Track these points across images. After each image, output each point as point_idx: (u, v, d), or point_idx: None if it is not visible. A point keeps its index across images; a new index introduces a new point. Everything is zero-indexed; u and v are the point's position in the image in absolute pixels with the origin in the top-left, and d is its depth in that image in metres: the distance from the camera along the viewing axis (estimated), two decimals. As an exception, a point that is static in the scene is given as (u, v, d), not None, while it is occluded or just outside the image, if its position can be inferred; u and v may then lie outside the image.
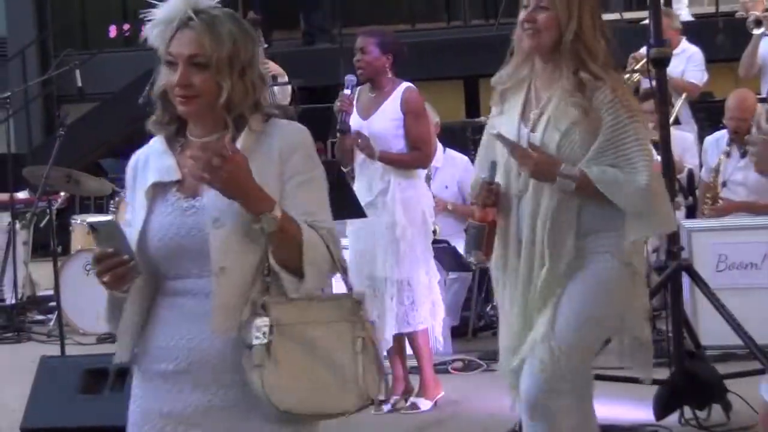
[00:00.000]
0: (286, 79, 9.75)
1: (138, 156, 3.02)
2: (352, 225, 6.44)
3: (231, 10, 2.95)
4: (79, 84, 10.30)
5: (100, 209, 10.92)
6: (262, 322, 2.75)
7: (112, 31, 15.71)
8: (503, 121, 4.25)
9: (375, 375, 2.86)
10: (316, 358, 2.78)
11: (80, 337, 8.75)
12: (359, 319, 2.83)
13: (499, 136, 4.11)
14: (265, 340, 2.74)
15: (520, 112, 4.20)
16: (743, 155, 7.95)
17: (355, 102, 6.49)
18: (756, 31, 9.61)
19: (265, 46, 10.43)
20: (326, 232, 2.83)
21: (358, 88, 6.56)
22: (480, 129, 9.96)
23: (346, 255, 6.78)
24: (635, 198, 4.06)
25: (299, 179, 2.87)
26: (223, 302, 2.79)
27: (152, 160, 2.97)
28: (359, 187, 6.41)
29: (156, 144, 2.98)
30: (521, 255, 4.16)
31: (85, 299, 8.89)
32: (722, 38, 11.55)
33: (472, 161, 8.65)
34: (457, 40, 13.27)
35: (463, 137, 9.97)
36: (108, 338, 8.77)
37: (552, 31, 4.10)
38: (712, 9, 12.62)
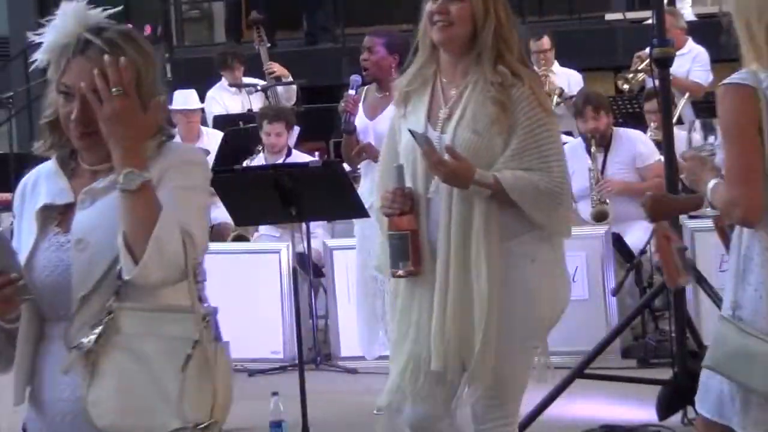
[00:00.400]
0: (290, 80, 9.77)
1: (26, 180, 2.85)
2: (357, 224, 6.46)
3: (128, 28, 2.83)
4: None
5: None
6: (96, 329, 2.57)
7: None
8: (408, 123, 3.98)
9: (202, 397, 2.60)
10: (144, 374, 2.57)
11: (82, 337, 8.72)
12: (201, 337, 2.60)
13: (416, 134, 3.86)
14: (85, 348, 2.56)
15: (426, 112, 3.95)
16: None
17: (361, 102, 6.49)
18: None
19: (268, 45, 10.46)
20: (190, 238, 2.60)
21: (365, 88, 6.56)
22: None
23: (353, 256, 6.92)
24: (547, 203, 3.85)
25: (176, 185, 2.67)
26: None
27: (42, 183, 2.79)
28: (365, 188, 6.41)
29: (48, 165, 2.80)
30: (437, 261, 3.90)
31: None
32: (725, 38, 11.53)
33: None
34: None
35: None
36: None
37: (466, 23, 3.86)
38: (715, 9, 12.59)
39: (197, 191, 2.72)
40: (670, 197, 4.27)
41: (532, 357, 4.00)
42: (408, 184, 3.94)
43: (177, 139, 2.86)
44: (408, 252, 3.88)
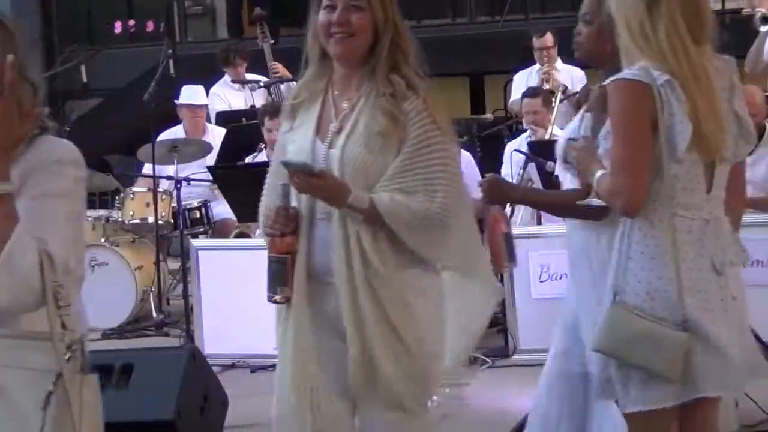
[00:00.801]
0: (294, 82, 9.75)
1: None
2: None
3: None
4: (84, 80, 10.32)
5: (105, 205, 10.90)
6: None
7: (117, 27, 15.71)
8: (295, 137, 3.67)
9: None
10: (3, 410, 2.39)
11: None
12: (64, 369, 2.40)
13: (285, 164, 3.54)
14: None
15: (314, 126, 3.63)
16: (749, 152, 7.93)
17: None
18: (763, 29, 9.58)
19: (272, 42, 10.46)
20: (48, 258, 2.37)
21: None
22: (485, 126, 9.99)
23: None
24: (425, 230, 3.51)
25: (40, 191, 2.44)
26: None
27: None
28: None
29: None
30: (325, 288, 3.56)
31: (90, 295, 8.87)
32: (728, 35, 11.52)
33: (476, 158, 8.68)
34: (462, 36, 13.26)
35: (468, 134, 9.95)
36: (112, 334, 8.79)
37: (367, 33, 3.55)
38: (718, 6, 12.57)
39: (65, 199, 2.48)
40: (507, 184, 4.33)
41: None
42: (293, 203, 3.63)
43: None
44: (287, 277, 3.56)
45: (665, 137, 3.45)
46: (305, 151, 3.59)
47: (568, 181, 4.17)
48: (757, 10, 9.79)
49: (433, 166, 3.49)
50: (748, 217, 7.49)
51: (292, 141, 3.67)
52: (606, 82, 3.83)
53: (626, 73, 3.50)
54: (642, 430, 3.60)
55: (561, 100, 9.35)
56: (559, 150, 4.16)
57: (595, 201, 3.81)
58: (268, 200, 3.74)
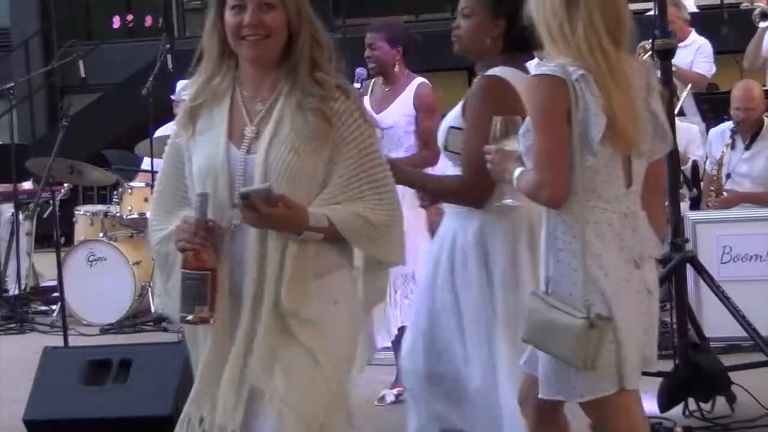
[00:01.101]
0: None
1: None
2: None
3: None
4: (83, 75, 10.31)
5: (104, 200, 10.91)
6: None
7: (116, 22, 15.71)
8: (200, 143, 3.37)
9: None
10: None
11: (83, 328, 8.74)
12: None
13: (244, 195, 3.20)
14: None
15: (226, 130, 3.34)
16: (747, 147, 7.94)
17: (368, 94, 6.49)
18: (762, 24, 9.57)
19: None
20: None
21: (371, 81, 6.57)
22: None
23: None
24: (380, 235, 3.38)
25: None
26: None
27: None
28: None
29: None
30: (243, 304, 3.30)
31: (89, 290, 8.91)
32: (727, 30, 11.52)
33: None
34: (461, 31, 13.25)
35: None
36: (111, 329, 8.79)
37: (283, 33, 3.32)
38: (717, 0, 12.59)
39: None
40: (404, 169, 4.35)
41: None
42: (212, 214, 3.32)
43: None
44: (206, 295, 3.25)
45: (579, 130, 3.54)
46: (218, 158, 3.32)
47: (449, 168, 4.27)
48: (756, 5, 9.80)
49: (376, 167, 3.37)
50: (746, 212, 7.53)
51: (198, 147, 3.37)
52: (481, 75, 4.06)
53: (542, 69, 3.60)
54: (602, 416, 3.68)
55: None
56: (440, 138, 4.27)
57: (509, 201, 3.96)
58: (162, 212, 3.44)
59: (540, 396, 3.67)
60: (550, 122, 3.57)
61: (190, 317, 3.27)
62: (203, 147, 3.36)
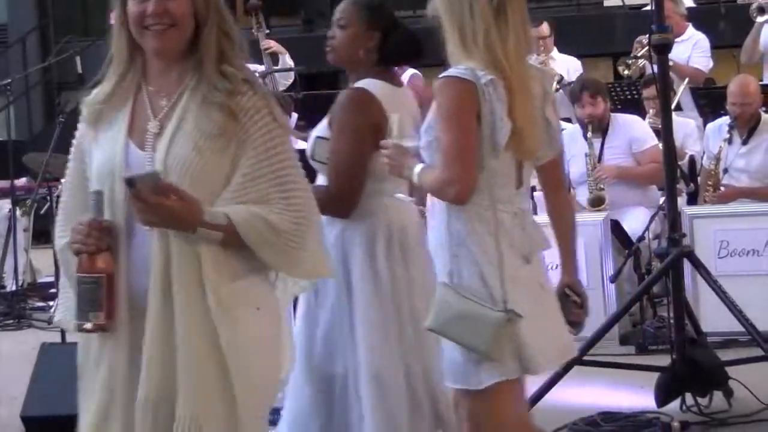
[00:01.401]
0: (287, 57, 9.71)
1: None
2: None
3: None
4: (80, 71, 10.27)
5: (101, 196, 10.87)
6: None
7: (113, 18, 15.68)
8: (102, 142, 3.16)
9: None
10: None
11: (81, 324, 8.73)
12: None
13: (129, 181, 2.96)
14: None
15: (126, 128, 3.13)
16: (745, 142, 7.95)
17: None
18: (759, 19, 9.58)
19: (267, 31, 10.43)
20: None
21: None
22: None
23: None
24: (283, 243, 3.08)
25: None
26: None
27: None
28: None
29: None
30: (149, 309, 3.02)
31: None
32: (724, 25, 11.52)
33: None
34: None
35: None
36: (109, 325, 8.79)
37: (189, 22, 3.11)
38: (714, -5, 12.60)
39: None
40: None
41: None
42: (107, 214, 3.09)
43: None
44: (101, 300, 3.02)
45: (487, 133, 3.63)
46: (117, 158, 3.10)
47: (320, 179, 4.25)
48: (754, -1, 9.79)
49: (284, 169, 3.10)
50: (744, 207, 7.54)
51: (99, 147, 3.16)
52: (349, 87, 4.16)
53: (453, 71, 3.65)
54: (490, 407, 3.74)
55: (557, 90, 9.34)
56: (308, 148, 4.30)
57: (400, 195, 4.04)
58: (68, 214, 3.24)
59: (446, 383, 3.80)
60: (461, 120, 3.64)
61: (87, 325, 3.04)
62: (103, 146, 3.15)
